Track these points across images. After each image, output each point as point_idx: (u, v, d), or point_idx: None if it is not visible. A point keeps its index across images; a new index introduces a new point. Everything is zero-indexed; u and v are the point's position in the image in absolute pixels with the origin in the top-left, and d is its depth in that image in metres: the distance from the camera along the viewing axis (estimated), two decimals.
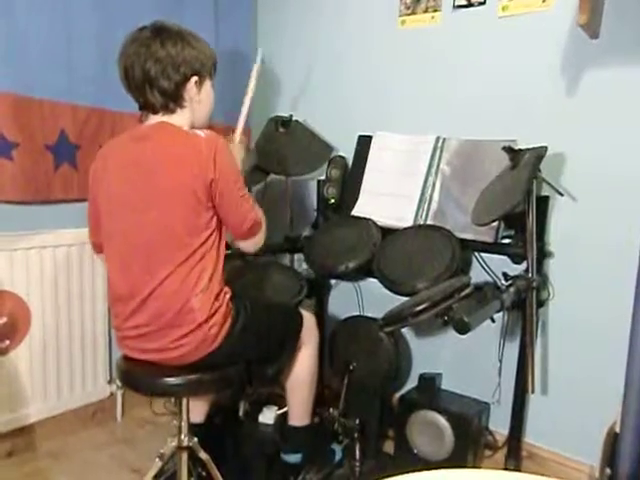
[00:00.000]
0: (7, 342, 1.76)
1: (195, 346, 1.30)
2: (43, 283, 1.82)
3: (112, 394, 2.08)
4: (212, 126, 1.47)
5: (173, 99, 1.35)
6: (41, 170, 1.77)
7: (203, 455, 1.45)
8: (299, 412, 1.67)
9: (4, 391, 1.77)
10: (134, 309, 1.31)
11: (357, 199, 1.90)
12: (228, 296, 1.36)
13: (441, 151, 1.78)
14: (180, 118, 1.36)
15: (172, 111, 1.36)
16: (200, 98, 1.40)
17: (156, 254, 1.28)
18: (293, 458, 1.67)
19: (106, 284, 1.94)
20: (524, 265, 1.51)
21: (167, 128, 1.33)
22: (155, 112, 1.36)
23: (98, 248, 1.47)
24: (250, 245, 1.45)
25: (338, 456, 1.80)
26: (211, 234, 1.32)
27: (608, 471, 1.16)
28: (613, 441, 1.19)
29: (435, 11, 1.88)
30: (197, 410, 1.67)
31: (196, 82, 1.37)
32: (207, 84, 1.42)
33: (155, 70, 1.31)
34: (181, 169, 1.27)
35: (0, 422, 1.76)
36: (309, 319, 1.63)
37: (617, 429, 1.16)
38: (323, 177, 2.05)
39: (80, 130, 1.84)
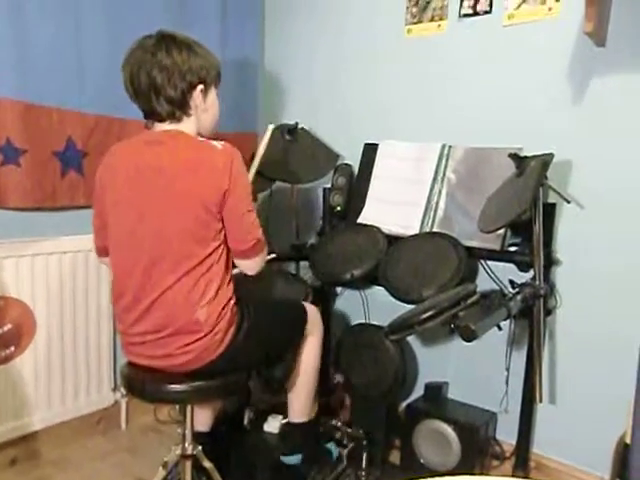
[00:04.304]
0: (12, 349, 1.76)
1: (200, 353, 1.30)
2: (48, 290, 1.82)
3: (116, 402, 2.07)
4: (221, 134, 1.48)
5: (179, 107, 1.34)
6: (48, 177, 1.77)
7: (207, 464, 1.44)
8: (299, 407, 1.65)
9: (8, 398, 1.76)
10: (138, 316, 1.31)
11: (363, 207, 1.90)
12: (232, 302, 1.36)
13: (447, 159, 1.78)
14: (186, 126, 1.36)
15: (178, 119, 1.36)
16: (206, 106, 1.40)
17: (161, 261, 1.28)
18: (292, 459, 1.65)
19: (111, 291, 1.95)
20: (531, 273, 1.50)
21: (182, 136, 1.33)
22: (161, 120, 1.36)
23: (101, 251, 1.46)
24: (251, 265, 1.41)
25: (335, 454, 1.78)
26: (219, 246, 1.31)
27: None
28: (623, 452, 1.18)
29: (441, 20, 1.89)
30: (202, 419, 1.66)
31: (202, 90, 1.37)
32: (212, 93, 1.42)
33: (161, 78, 1.30)
34: (193, 178, 1.27)
35: (4, 430, 1.76)
36: (313, 312, 1.62)
37: (627, 440, 1.15)
38: (329, 185, 2.05)
39: (87, 137, 1.85)
